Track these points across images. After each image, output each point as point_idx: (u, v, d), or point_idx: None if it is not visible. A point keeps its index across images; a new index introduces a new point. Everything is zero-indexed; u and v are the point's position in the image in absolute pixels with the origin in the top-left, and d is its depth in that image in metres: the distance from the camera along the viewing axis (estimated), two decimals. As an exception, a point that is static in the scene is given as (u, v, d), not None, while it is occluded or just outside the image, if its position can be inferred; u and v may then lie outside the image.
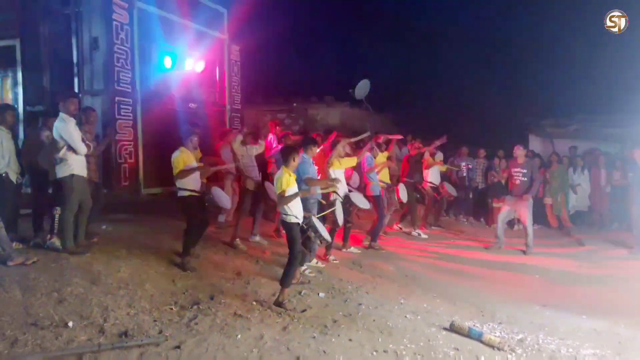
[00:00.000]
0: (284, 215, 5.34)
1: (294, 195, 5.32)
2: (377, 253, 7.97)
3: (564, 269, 7.54)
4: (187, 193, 6.16)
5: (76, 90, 7.81)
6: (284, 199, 5.24)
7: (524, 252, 8.52)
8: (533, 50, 17.12)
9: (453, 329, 4.65)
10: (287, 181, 5.28)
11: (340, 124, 15.18)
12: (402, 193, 9.08)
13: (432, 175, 10.35)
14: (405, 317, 5.05)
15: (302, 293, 5.61)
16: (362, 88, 15.45)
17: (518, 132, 14.12)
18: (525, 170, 8.54)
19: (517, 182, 8.57)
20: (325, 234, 5.71)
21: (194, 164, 6.24)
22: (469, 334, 4.52)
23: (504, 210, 8.85)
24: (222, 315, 4.72)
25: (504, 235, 8.95)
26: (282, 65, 17.71)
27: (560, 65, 16.26)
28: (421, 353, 4.17)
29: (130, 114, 8.00)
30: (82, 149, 6.00)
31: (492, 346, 4.31)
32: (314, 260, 6.83)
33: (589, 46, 14.28)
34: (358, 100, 15.91)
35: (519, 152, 8.67)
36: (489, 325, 4.95)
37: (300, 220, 5.42)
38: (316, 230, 5.54)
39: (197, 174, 6.26)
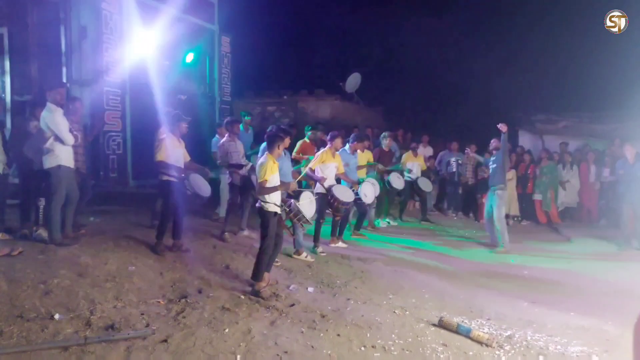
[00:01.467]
0: (262, 203, 5.29)
1: (273, 188, 5.30)
2: (366, 248, 7.98)
3: (552, 266, 7.59)
4: (165, 177, 6.21)
5: (64, 79, 7.70)
6: (264, 189, 5.22)
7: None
8: (524, 46, 17.17)
9: (441, 324, 4.66)
10: (270, 169, 5.23)
11: (330, 117, 15.15)
12: (397, 182, 9.24)
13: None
14: (394, 312, 5.05)
15: (291, 287, 5.60)
16: (353, 81, 15.42)
17: (508, 127, 14.17)
18: (494, 158, 8.49)
19: (490, 171, 8.55)
20: (309, 217, 5.69)
21: (178, 150, 6.27)
22: (457, 330, 4.53)
23: (486, 205, 8.80)
24: (210, 309, 4.69)
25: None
26: (273, 58, 17.63)
27: (551, 62, 16.35)
28: (409, 349, 4.18)
29: (119, 105, 7.92)
30: (69, 139, 5.92)
31: (480, 342, 4.33)
32: (303, 254, 6.83)
33: (580, 43, 14.35)
34: (349, 93, 15.88)
35: (494, 144, 8.58)
36: (478, 321, 4.96)
37: (279, 209, 5.40)
38: (298, 214, 5.53)
39: (179, 160, 6.26)
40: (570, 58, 15.27)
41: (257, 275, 5.29)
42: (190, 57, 9.20)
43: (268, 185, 5.23)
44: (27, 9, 7.97)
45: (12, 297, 4.43)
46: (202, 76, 10.07)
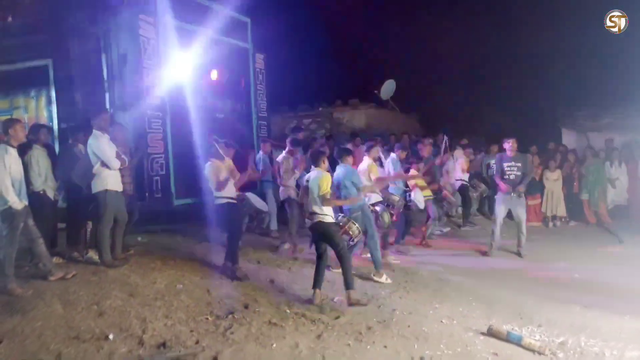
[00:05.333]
0: (321, 216, 5.50)
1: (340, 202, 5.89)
2: (409, 257, 7.89)
3: (603, 268, 7.34)
4: (223, 200, 6.34)
5: (107, 105, 7.98)
6: (328, 201, 5.48)
7: (519, 254, 8.10)
8: (563, 41, 16.72)
9: (491, 333, 4.57)
10: (329, 181, 5.52)
11: (366, 126, 15.13)
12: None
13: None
14: (441, 322, 4.99)
15: (335, 299, 5.60)
16: (388, 88, 15.34)
17: (550, 126, 13.85)
18: (519, 164, 8.11)
19: (512, 177, 8.11)
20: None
21: (224, 173, 6.35)
22: (507, 338, 4.43)
23: (498, 208, 8.33)
24: (257, 324, 4.74)
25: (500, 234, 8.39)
26: (306, 71, 17.76)
27: (593, 55, 15.81)
28: (459, 359, 4.11)
29: (160, 127, 8.13)
30: (115, 164, 6.14)
31: (532, 350, 4.23)
32: (384, 276, 6.47)
33: (622, 34, 13.86)
34: (384, 100, 15.80)
35: (508, 145, 8.22)
36: (528, 328, 4.84)
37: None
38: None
39: (232, 181, 6.42)
40: (614, 50, 14.73)
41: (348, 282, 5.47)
42: (214, 75, 9.36)
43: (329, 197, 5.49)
44: (69, 41, 8.31)
45: (68, 319, 4.61)
46: (238, 94, 10.24)
